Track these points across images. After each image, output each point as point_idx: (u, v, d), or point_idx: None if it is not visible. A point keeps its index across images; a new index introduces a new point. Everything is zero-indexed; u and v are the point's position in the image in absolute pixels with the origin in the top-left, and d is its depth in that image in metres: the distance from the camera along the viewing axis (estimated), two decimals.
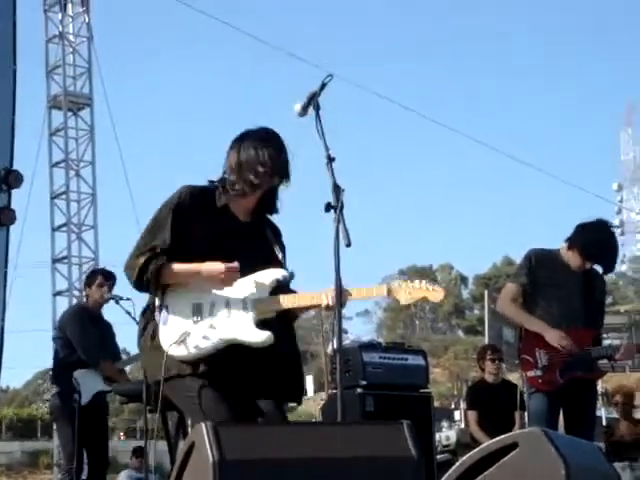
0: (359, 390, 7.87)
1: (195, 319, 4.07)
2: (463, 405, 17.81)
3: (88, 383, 7.48)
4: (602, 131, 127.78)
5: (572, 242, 6.10)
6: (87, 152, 18.72)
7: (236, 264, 4.03)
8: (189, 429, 7.96)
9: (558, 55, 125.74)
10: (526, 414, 6.47)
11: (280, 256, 4.27)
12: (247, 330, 4.04)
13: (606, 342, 6.24)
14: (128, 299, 7.45)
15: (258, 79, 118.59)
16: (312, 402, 56.96)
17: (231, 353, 4.05)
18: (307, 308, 4.26)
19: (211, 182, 4.28)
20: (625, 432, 9.87)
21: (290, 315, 4.24)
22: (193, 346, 4.03)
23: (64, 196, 18.42)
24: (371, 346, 8.63)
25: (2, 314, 8.12)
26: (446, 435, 14.95)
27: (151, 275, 4.05)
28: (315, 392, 61.21)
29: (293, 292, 4.20)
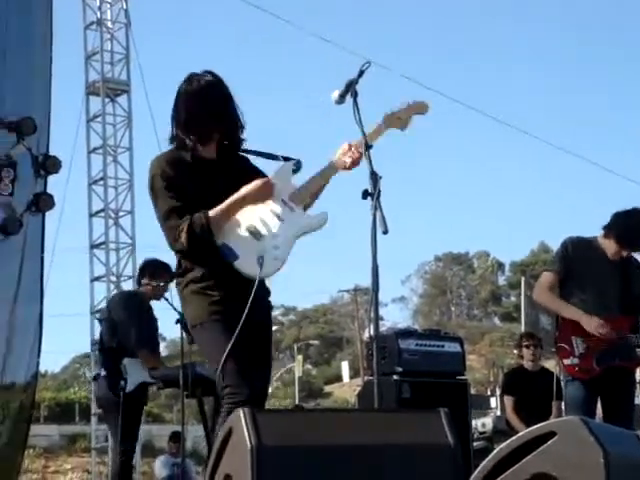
0: (395, 377, 7.87)
1: (259, 238, 4.18)
2: (499, 392, 17.75)
3: (134, 372, 7.52)
4: None
5: (608, 229, 6.08)
6: (124, 138, 18.81)
7: (267, 179, 4.25)
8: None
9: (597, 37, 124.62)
10: (563, 402, 6.44)
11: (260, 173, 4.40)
12: (307, 219, 4.27)
13: None
14: (164, 284, 7.52)
15: (296, 65, 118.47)
16: (348, 388, 57.27)
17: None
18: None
19: (170, 142, 4.40)
20: None
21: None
22: (274, 259, 4.16)
23: (102, 182, 18.53)
24: (407, 333, 8.62)
25: (40, 299, 8.17)
26: (482, 422, 14.93)
27: (204, 227, 4.14)
28: (351, 378, 61.51)
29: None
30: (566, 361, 6.06)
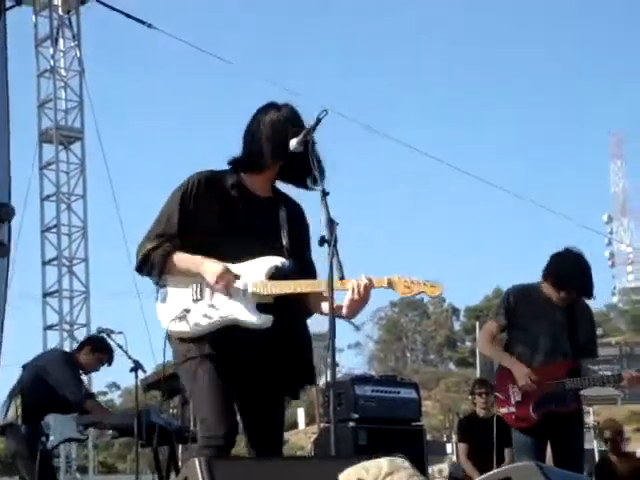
0: (351, 424, 7.87)
1: (195, 298, 4.12)
2: (455, 438, 17.76)
3: (59, 428, 7.35)
4: (591, 163, 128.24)
5: (544, 274, 6.08)
6: (78, 186, 18.71)
7: (231, 275, 4.07)
8: (180, 463, 7.94)
9: (543, 81, 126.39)
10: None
11: (285, 242, 4.24)
12: (247, 311, 4.09)
13: (601, 373, 6.19)
14: (120, 332, 7.44)
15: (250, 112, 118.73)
16: (303, 435, 56.78)
17: (233, 334, 4.08)
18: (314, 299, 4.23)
19: (229, 163, 4.29)
20: (616, 467, 9.86)
21: (301, 306, 4.24)
22: (193, 323, 4.08)
23: (55, 229, 18.39)
24: (363, 379, 8.64)
25: None
26: (439, 468, 14.90)
27: (157, 262, 4.11)
28: (307, 425, 61.13)
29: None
30: (503, 410, 6.07)
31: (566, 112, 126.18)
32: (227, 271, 4.06)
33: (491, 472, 3.37)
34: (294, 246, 4.24)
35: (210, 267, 4.07)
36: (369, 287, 4.08)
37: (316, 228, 4.14)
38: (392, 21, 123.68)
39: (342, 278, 3.97)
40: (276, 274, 4.14)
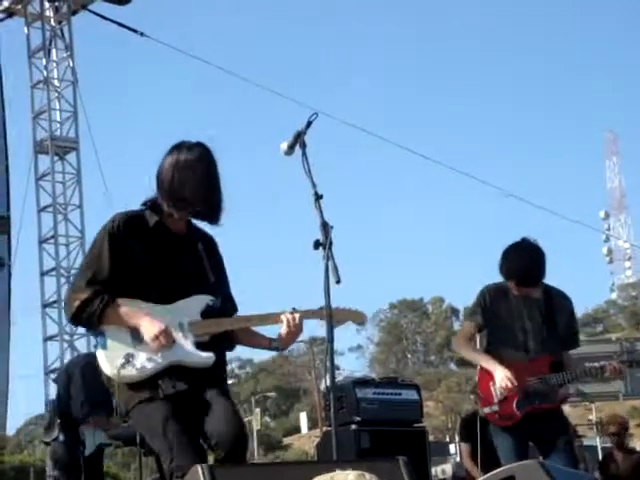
0: (354, 427, 7.86)
1: (135, 343, 4.11)
2: (457, 438, 17.75)
3: (92, 434, 7.57)
4: (587, 160, 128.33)
5: (500, 271, 6.00)
6: (74, 196, 18.70)
7: (168, 336, 4.08)
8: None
9: (538, 79, 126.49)
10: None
11: (212, 279, 4.31)
12: (189, 352, 4.12)
13: (585, 365, 6.11)
14: None
15: (244, 119, 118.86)
16: (307, 439, 56.84)
17: (178, 374, 4.11)
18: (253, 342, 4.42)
19: (144, 204, 4.33)
20: (621, 463, 9.85)
21: (229, 340, 4.34)
22: (140, 367, 4.08)
23: (52, 240, 18.37)
24: (364, 382, 8.63)
25: (7, 354, 8.16)
26: (442, 469, 14.90)
27: (95, 313, 4.09)
28: (310, 429, 61.08)
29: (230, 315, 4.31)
30: (486, 410, 5.99)
31: (560, 109, 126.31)
32: (164, 332, 4.08)
33: (495, 471, 3.37)
34: (218, 282, 4.34)
35: (148, 328, 4.08)
36: (301, 320, 4.20)
37: (314, 231, 4.13)
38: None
39: (338, 281, 3.97)
40: (208, 312, 4.21)
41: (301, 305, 4.24)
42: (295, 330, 4.22)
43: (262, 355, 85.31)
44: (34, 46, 18.88)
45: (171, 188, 4.20)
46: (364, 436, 7.86)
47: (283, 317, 4.20)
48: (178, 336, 4.12)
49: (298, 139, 4.12)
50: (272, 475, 3.43)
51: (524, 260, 5.89)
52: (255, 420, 58.21)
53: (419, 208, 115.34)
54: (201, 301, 4.20)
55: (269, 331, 4.37)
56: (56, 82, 18.89)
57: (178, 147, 4.27)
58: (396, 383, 8.95)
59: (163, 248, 4.24)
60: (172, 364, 4.10)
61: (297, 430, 67.46)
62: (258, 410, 61.83)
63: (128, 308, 4.10)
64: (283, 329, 4.24)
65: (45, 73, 18.74)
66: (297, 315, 4.20)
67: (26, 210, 18.13)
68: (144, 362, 4.07)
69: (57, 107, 18.87)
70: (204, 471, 3.19)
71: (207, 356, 4.13)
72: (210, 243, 4.43)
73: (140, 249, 4.19)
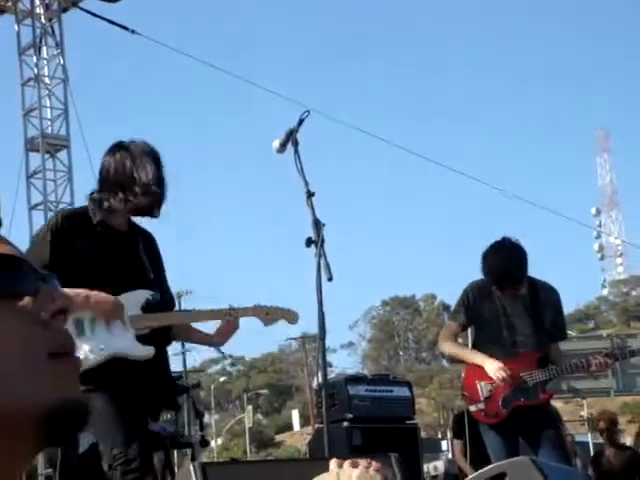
0: (346, 424, 7.85)
1: (77, 333, 4.11)
2: (450, 435, 17.78)
3: (84, 433, 7.53)
4: (578, 157, 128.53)
5: (482, 272, 5.93)
6: (66, 194, 18.67)
7: (122, 302, 4.14)
8: (176, 468, 7.94)
9: (529, 76, 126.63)
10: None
11: (152, 275, 4.38)
12: (130, 345, 4.18)
13: (571, 361, 6.08)
14: None
15: (234, 116, 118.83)
16: (299, 436, 56.91)
17: (119, 366, 4.16)
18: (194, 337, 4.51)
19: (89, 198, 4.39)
20: (613, 459, 9.87)
21: (167, 335, 4.41)
22: (82, 358, 4.06)
23: None
24: (357, 379, 8.62)
25: None
26: (434, 465, 14.92)
27: None
28: (302, 426, 61.15)
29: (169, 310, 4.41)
30: (472, 408, 5.97)
31: (551, 107, 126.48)
32: (118, 304, 4.13)
33: (485, 468, 3.37)
34: (157, 278, 4.41)
35: (100, 296, 4.08)
36: (237, 318, 4.27)
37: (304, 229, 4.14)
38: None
39: (330, 279, 3.98)
40: (148, 307, 4.27)
41: (283, 302, 4.29)
42: (231, 327, 4.31)
43: (254, 352, 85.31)
44: (24, 43, 18.83)
45: (117, 183, 4.25)
46: (356, 433, 7.85)
47: (221, 314, 4.27)
48: (119, 328, 4.16)
49: (290, 137, 4.11)
50: (264, 472, 3.43)
51: (503, 261, 5.82)
52: (247, 417, 58.23)
53: (412, 206, 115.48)
54: (141, 296, 4.26)
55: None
56: (47, 80, 18.84)
57: (120, 145, 4.33)
58: (388, 380, 8.94)
59: (105, 245, 4.29)
60: (114, 356, 4.14)
61: (289, 427, 67.52)
62: (250, 407, 61.86)
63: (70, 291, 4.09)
64: (220, 326, 4.33)
65: (36, 70, 18.70)
66: (234, 312, 4.26)
67: (17, 208, 18.11)
68: (86, 354, 4.10)
69: (48, 105, 18.83)
70: (196, 469, 3.19)
71: (148, 349, 4.19)
72: (150, 240, 4.50)
73: (82, 245, 4.24)
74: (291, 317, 4.34)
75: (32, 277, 1.02)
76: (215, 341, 4.44)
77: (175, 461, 8.81)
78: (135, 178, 4.22)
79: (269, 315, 4.27)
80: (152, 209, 4.31)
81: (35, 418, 0.96)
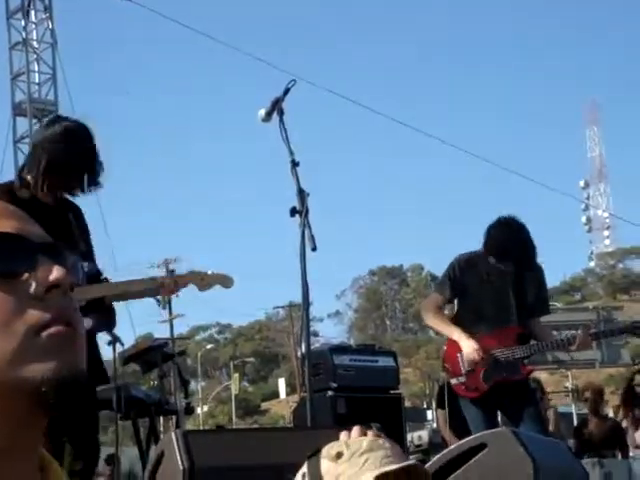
0: (330, 393, 7.88)
1: None
2: (434, 405, 17.86)
3: None
4: (567, 130, 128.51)
5: (484, 247, 5.92)
6: None
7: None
8: (161, 435, 7.95)
9: (519, 48, 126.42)
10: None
11: (82, 244, 4.39)
12: None
13: (554, 337, 6.09)
14: None
15: (223, 83, 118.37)
16: (285, 404, 57.13)
17: None
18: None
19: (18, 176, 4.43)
20: (594, 429, 9.96)
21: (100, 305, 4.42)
22: None
23: None
24: (341, 348, 8.65)
25: None
26: (418, 435, 14.97)
27: None
28: (288, 394, 61.41)
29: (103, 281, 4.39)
30: (453, 381, 5.94)
31: (543, 78, 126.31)
32: None
33: (467, 438, 3.39)
34: (88, 250, 4.44)
35: None
36: (176, 284, 4.27)
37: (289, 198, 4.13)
38: None
39: (314, 249, 3.98)
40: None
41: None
42: (167, 293, 4.34)
43: (241, 320, 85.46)
44: (13, 7, 18.71)
45: (48, 164, 4.27)
46: (340, 402, 7.88)
47: (156, 282, 4.29)
48: None
49: (276, 106, 4.10)
50: (246, 440, 3.44)
51: (517, 242, 5.83)
52: (234, 384, 58.42)
53: (400, 175, 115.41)
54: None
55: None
56: (35, 44, 18.73)
57: (49, 123, 4.38)
58: (373, 350, 8.97)
59: (36, 219, 4.28)
60: None
61: (276, 395, 67.78)
62: (236, 375, 62.04)
63: None
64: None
65: (24, 34, 18.58)
66: (169, 279, 4.28)
67: (4, 174, 18.06)
68: None
69: (36, 69, 18.73)
70: (178, 437, 3.19)
71: (86, 321, 4.21)
72: (78, 212, 4.51)
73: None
74: (226, 282, 4.36)
75: (28, 253, 1.04)
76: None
77: (161, 429, 8.83)
78: (52, 164, 4.27)
79: (204, 280, 4.28)
80: (75, 188, 4.35)
81: (29, 391, 0.99)
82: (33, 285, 1.02)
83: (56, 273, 1.03)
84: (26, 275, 1.03)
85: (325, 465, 2.00)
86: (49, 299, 1.02)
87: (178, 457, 3.13)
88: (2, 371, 0.98)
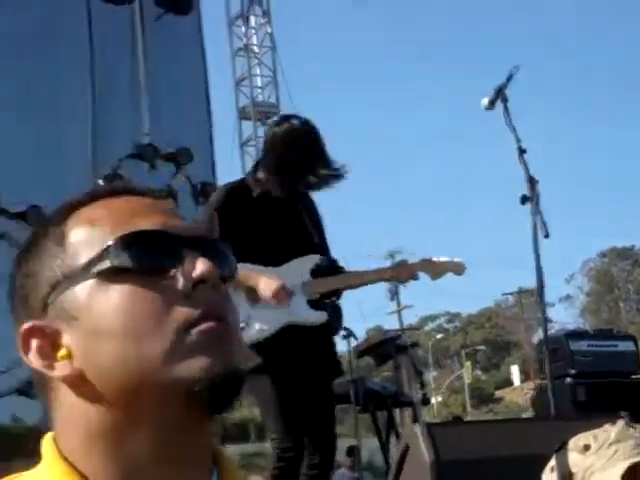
0: (569, 380, 7.74)
1: (252, 305, 4.14)
2: None
3: None
4: None
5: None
6: None
7: (287, 288, 4.14)
8: (399, 428, 8.03)
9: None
10: None
11: (315, 238, 4.37)
12: (304, 312, 4.19)
13: None
14: None
15: (444, 71, 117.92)
16: (519, 391, 56.44)
17: (291, 335, 4.15)
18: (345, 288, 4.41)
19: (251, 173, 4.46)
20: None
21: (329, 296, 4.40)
22: (257, 330, 4.12)
23: None
24: (577, 334, 8.49)
25: None
26: None
27: None
28: (522, 382, 60.61)
29: (338, 272, 4.34)
30: None
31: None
32: (283, 287, 4.12)
33: None
34: (321, 241, 4.46)
35: (268, 284, 4.10)
36: (410, 272, 4.27)
37: (517, 186, 4.07)
38: None
39: (547, 235, 3.92)
40: (317, 271, 4.28)
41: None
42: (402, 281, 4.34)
43: (470, 308, 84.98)
44: (233, 14, 19.30)
45: (278, 161, 4.32)
46: (580, 389, 7.72)
47: (388, 273, 4.30)
48: (293, 297, 4.19)
49: (499, 93, 4.06)
50: (487, 432, 3.42)
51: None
52: (466, 373, 58.23)
53: (630, 155, 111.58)
54: (310, 261, 4.29)
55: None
56: (255, 49, 19.26)
57: (279, 122, 4.45)
58: (611, 335, 8.75)
59: (267, 215, 4.34)
60: (288, 324, 4.15)
61: (509, 383, 67.03)
62: (469, 363, 61.81)
63: (245, 271, 4.11)
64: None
65: (245, 40, 19.13)
66: (401, 270, 4.26)
67: (232, 176, 18.62)
68: (262, 324, 4.13)
69: (258, 73, 19.25)
70: (422, 430, 3.21)
71: (321, 314, 4.22)
72: (311, 205, 4.52)
73: (247, 221, 4.29)
74: (458, 268, 4.29)
75: (173, 248, 1.01)
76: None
77: (398, 420, 8.89)
78: (287, 162, 4.30)
79: (437, 268, 4.23)
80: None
81: (182, 392, 0.96)
82: (180, 281, 1.00)
83: (201, 267, 1.00)
84: (173, 271, 1.00)
85: (573, 458, 1.96)
86: (197, 295, 1.00)
87: (424, 450, 3.15)
88: (156, 373, 0.96)
